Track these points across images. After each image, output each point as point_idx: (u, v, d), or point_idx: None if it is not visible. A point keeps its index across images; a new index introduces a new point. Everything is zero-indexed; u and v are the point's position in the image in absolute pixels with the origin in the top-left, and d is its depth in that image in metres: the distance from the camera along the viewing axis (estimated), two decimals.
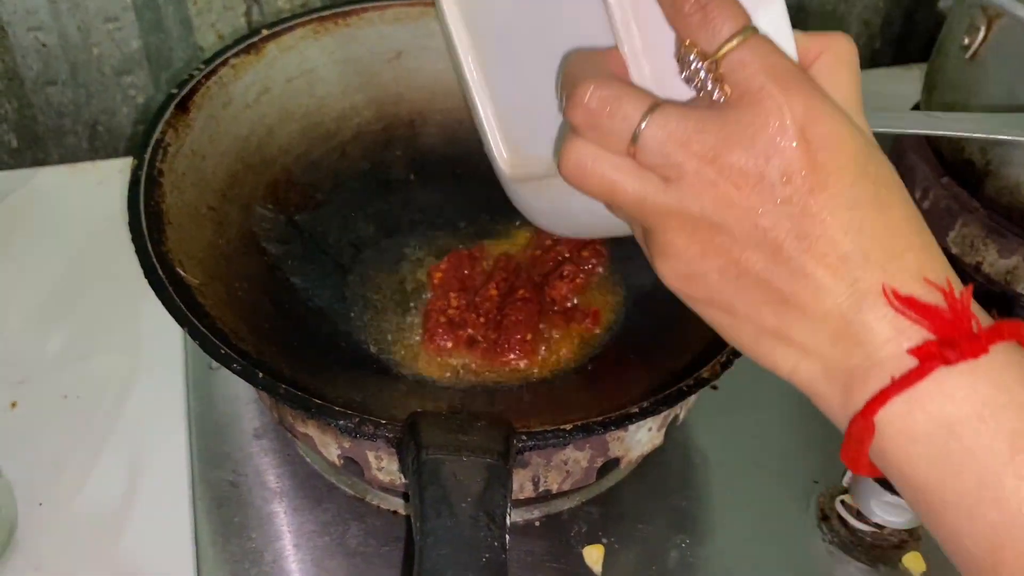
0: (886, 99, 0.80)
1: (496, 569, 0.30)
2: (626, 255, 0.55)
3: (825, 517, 0.49)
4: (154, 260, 0.43)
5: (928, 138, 0.64)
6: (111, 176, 0.70)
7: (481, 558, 0.30)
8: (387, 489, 0.47)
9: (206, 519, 0.48)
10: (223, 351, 0.40)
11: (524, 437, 0.37)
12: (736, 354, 0.43)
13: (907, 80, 0.84)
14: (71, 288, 0.61)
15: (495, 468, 0.33)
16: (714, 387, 0.43)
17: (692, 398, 0.42)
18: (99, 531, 0.49)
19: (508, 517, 0.32)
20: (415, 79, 0.61)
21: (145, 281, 0.43)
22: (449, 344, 0.50)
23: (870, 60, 0.96)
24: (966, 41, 0.58)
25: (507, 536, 0.31)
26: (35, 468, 0.51)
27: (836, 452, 0.52)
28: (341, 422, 0.38)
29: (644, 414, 0.39)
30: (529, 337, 0.50)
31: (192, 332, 0.40)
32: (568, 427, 0.38)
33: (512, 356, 0.50)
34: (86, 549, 0.48)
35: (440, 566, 0.30)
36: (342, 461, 0.44)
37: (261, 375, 0.39)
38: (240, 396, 0.53)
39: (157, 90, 0.77)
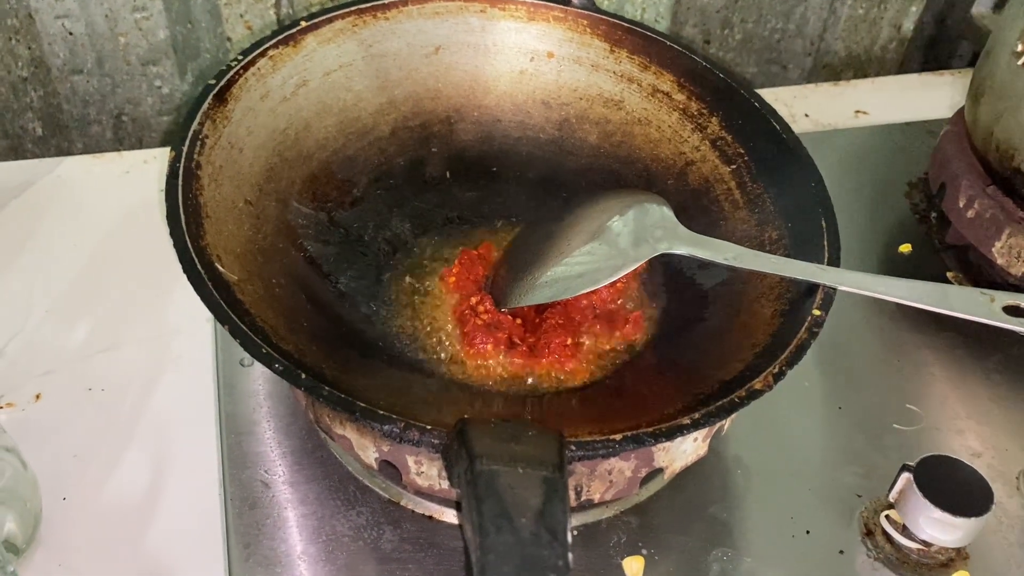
0: (919, 107, 0.79)
1: None
2: (670, 261, 0.54)
3: (869, 532, 0.48)
4: (193, 255, 0.42)
5: (974, 146, 0.63)
6: (136, 167, 0.69)
7: None
8: (423, 494, 0.46)
9: (239, 520, 0.47)
10: (265, 350, 0.39)
11: (573, 447, 0.36)
12: (790, 364, 0.42)
13: (939, 87, 0.83)
14: (96, 279, 0.61)
15: (552, 481, 0.32)
16: None
17: None
18: (125, 527, 0.48)
19: (569, 534, 0.31)
20: (453, 75, 0.60)
21: (171, 274, 0.42)
22: (488, 347, 0.49)
23: (900, 66, 0.95)
24: (1019, 47, 0.56)
25: (570, 554, 0.30)
26: (59, 462, 0.50)
27: (880, 464, 0.52)
28: (386, 427, 0.37)
29: (696, 426, 0.38)
30: (569, 341, 0.49)
31: (233, 330, 0.39)
32: (618, 437, 0.37)
33: (552, 360, 0.49)
34: (111, 546, 0.47)
35: None
36: (379, 464, 0.43)
37: (304, 376, 0.38)
38: (273, 394, 0.52)
39: (183, 81, 0.76)
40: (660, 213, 0.51)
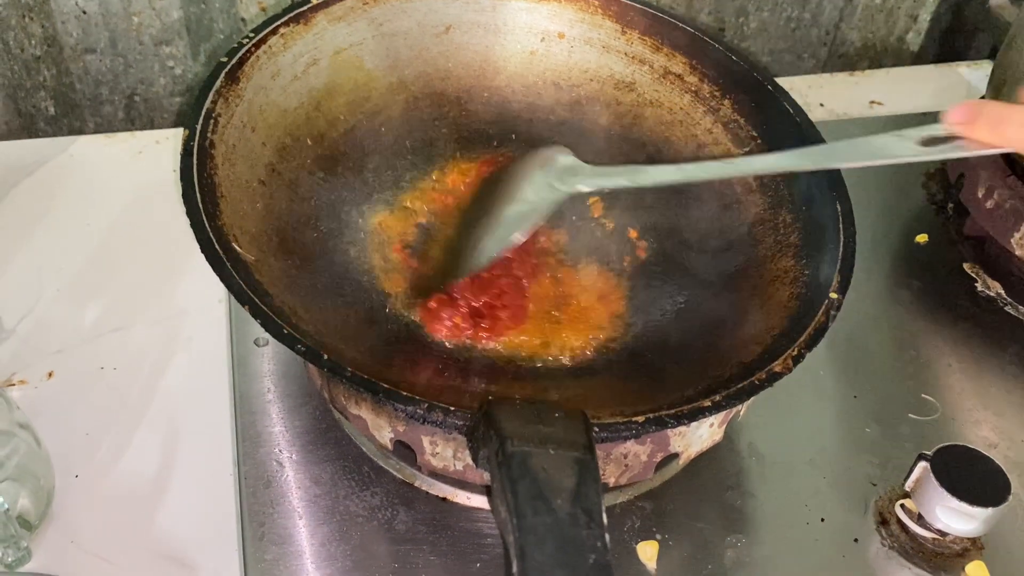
0: (935, 97, 0.79)
1: (604, 573, 0.29)
2: (684, 243, 0.54)
3: (884, 521, 0.48)
4: (210, 235, 0.42)
5: None
6: (149, 147, 0.69)
7: (587, 559, 0.29)
8: (437, 475, 0.46)
9: (253, 498, 0.47)
10: (287, 331, 0.38)
11: (597, 428, 0.36)
12: (808, 347, 0.41)
13: (955, 78, 0.82)
14: (108, 258, 0.61)
15: (584, 462, 0.32)
16: None
17: None
18: (137, 505, 0.48)
19: (604, 515, 0.31)
20: (463, 55, 0.59)
21: (183, 254, 0.42)
22: (457, 320, 0.48)
23: (916, 57, 0.94)
24: None
25: (607, 535, 0.30)
26: (71, 439, 0.50)
27: (895, 454, 0.51)
28: (409, 408, 0.37)
29: (717, 408, 0.38)
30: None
31: (254, 311, 0.39)
32: (640, 419, 0.37)
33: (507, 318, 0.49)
34: (123, 522, 0.47)
35: (547, 567, 0.29)
36: (394, 445, 0.43)
37: (326, 357, 0.38)
38: (286, 374, 0.52)
39: (196, 62, 0.75)
40: (567, 160, 0.50)
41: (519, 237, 0.47)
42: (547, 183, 0.49)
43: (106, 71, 0.74)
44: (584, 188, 0.48)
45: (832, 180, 0.50)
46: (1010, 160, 0.61)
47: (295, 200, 0.51)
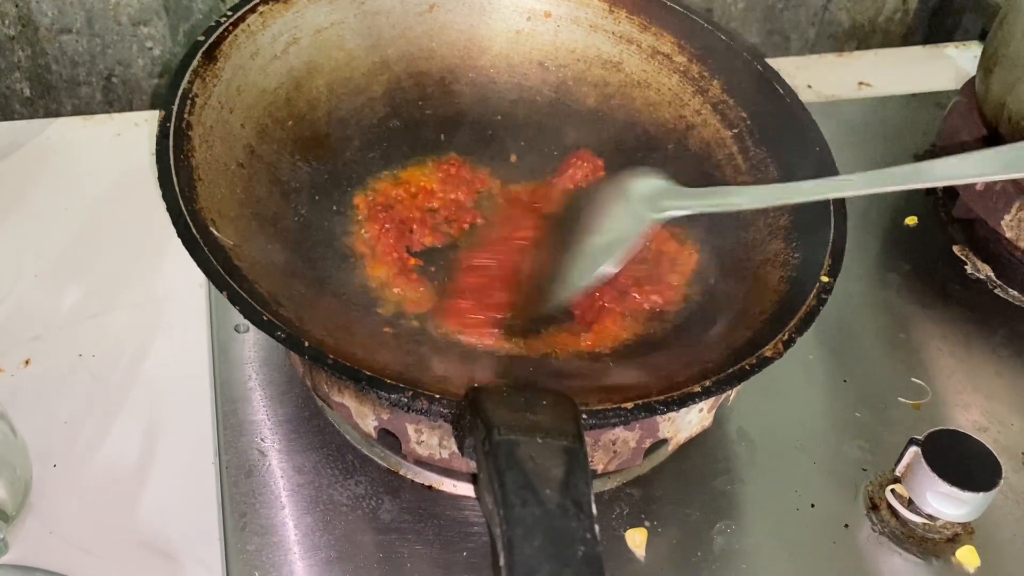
0: (923, 79, 0.78)
1: (594, 565, 0.28)
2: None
3: (874, 506, 0.48)
4: (187, 219, 0.41)
5: (984, 117, 0.62)
6: (127, 129, 0.68)
7: (577, 551, 0.28)
8: (423, 463, 0.45)
9: (234, 488, 0.46)
10: (266, 317, 0.38)
11: (585, 416, 0.35)
12: (799, 331, 0.41)
13: (943, 59, 0.82)
14: (87, 243, 0.59)
15: (572, 451, 0.31)
16: None
17: None
18: (117, 495, 0.47)
19: (593, 505, 0.30)
20: (447, 34, 0.58)
21: (163, 238, 0.41)
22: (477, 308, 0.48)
23: (903, 38, 0.94)
24: None
25: (596, 526, 0.29)
26: (49, 428, 0.49)
27: (885, 439, 0.51)
28: (393, 395, 0.36)
29: (707, 393, 0.38)
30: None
31: (232, 297, 0.38)
32: (629, 406, 0.36)
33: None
34: (103, 513, 0.46)
35: (535, 560, 0.28)
36: (378, 433, 0.42)
37: (307, 344, 0.37)
38: (268, 360, 0.51)
39: (175, 42, 0.74)
40: (656, 183, 0.47)
41: (609, 269, 0.45)
42: (635, 210, 0.46)
43: (83, 52, 0.73)
44: (676, 213, 0.45)
45: (823, 162, 0.50)
46: (1001, 141, 0.61)
47: (275, 183, 0.50)
